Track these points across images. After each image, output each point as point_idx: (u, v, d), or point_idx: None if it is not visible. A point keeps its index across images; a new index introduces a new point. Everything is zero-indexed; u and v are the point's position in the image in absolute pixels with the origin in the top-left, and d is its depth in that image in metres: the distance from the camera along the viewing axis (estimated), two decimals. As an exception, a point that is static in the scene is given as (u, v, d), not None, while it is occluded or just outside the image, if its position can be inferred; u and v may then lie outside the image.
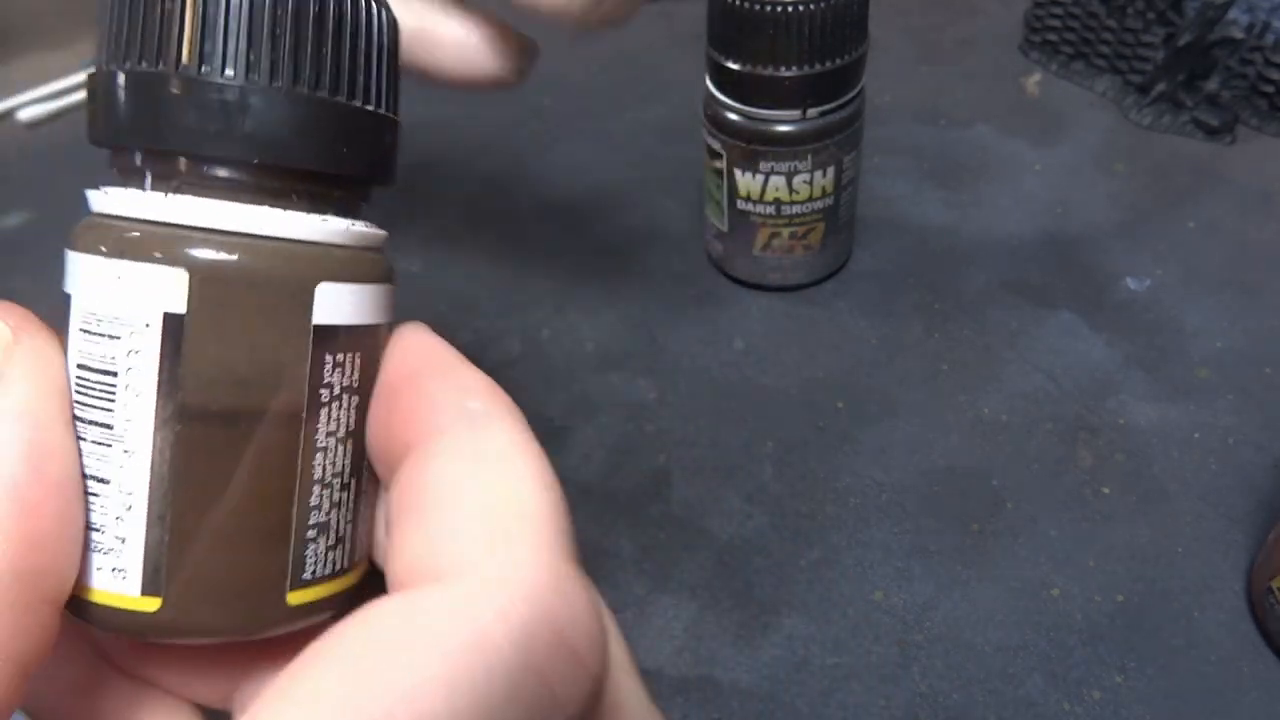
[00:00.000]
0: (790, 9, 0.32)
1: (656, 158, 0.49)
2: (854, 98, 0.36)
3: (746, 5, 0.32)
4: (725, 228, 0.39)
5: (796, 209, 0.37)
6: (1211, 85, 0.48)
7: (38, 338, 0.15)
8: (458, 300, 0.41)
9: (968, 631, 0.29)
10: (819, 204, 0.37)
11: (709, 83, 0.36)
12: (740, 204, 0.37)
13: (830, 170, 0.36)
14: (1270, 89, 0.47)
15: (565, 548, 0.14)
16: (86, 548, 0.15)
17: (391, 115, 0.17)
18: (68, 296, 0.15)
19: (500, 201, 0.46)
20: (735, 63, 0.34)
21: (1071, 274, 0.40)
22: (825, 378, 0.37)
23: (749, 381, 0.37)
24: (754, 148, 0.36)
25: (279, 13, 0.15)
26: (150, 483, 0.14)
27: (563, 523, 0.15)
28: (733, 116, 0.36)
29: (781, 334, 0.39)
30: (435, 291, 0.42)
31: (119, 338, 0.14)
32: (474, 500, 0.15)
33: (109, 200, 0.15)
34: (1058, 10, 0.52)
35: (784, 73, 0.34)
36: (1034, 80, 0.53)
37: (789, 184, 0.36)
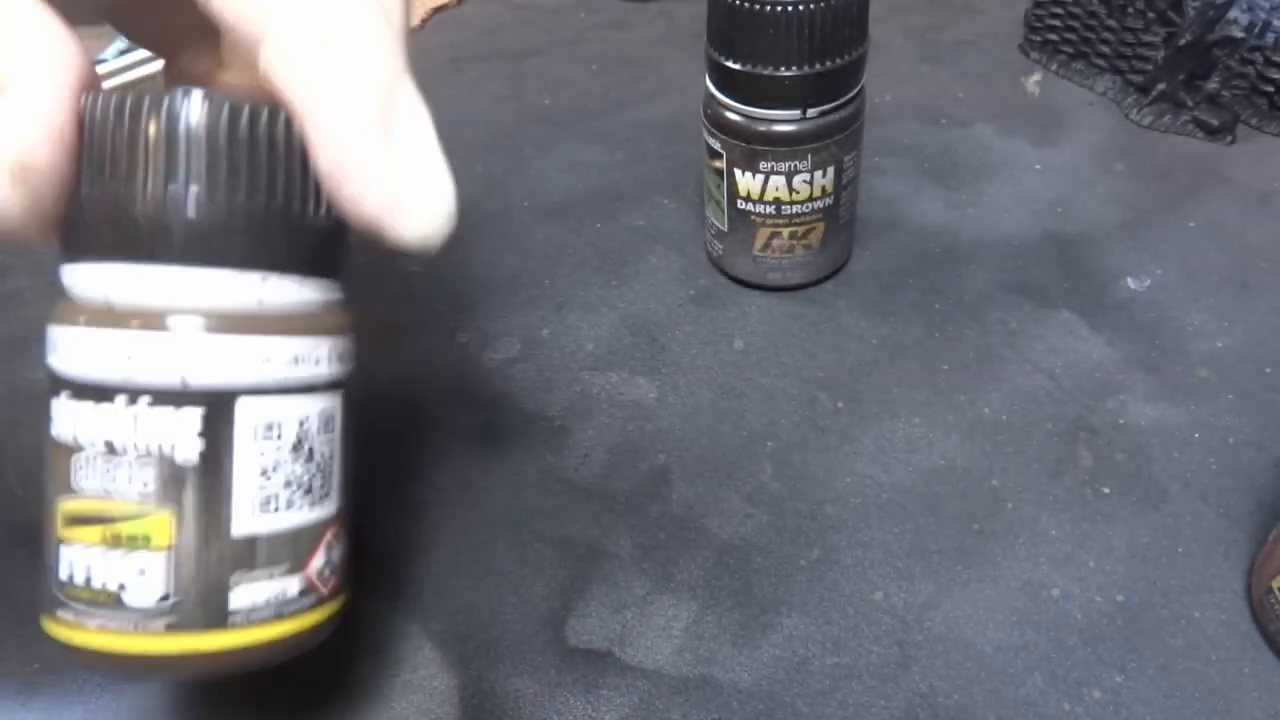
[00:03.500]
0: (790, 9, 0.32)
1: (656, 158, 0.49)
2: (854, 98, 0.36)
3: (746, 5, 0.32)
4: (725, 228, 0.39)
5: (796, 209, 0.37)
6: (1212, 85, 0.48)
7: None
8: (458, 300, 0.41)
9: (968, 631, 0.29)
10: (819, 204, 0.37)
11: (709, 83, 0.36)
12: (740, 204, 0.37)
13: (830, 170, 0.36)
14: (1271, 88, 0.47)
15: None
16: None
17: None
18: None
19: (500, 201, 0.46)
20: (735, 63, 0.34)
21: (1071, 274, 0.40)
22: (825, 378, 0.37)
23: (749, 381, 0.37)
24: (754, 148, 0.36)
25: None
26: None
27: None
28: (733, 116, 0.36)
29: (781, 334, 0.38)
30: (435, 291, 0.42)
31: None
32: None
33: None
34: (1058, 10, 0.52)
35: (784, 73, 0.34)
36: (1034, 80, 0.53)
37: (789, 184, 0.36)
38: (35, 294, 0.43)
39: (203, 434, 0.19)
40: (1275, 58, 0.46)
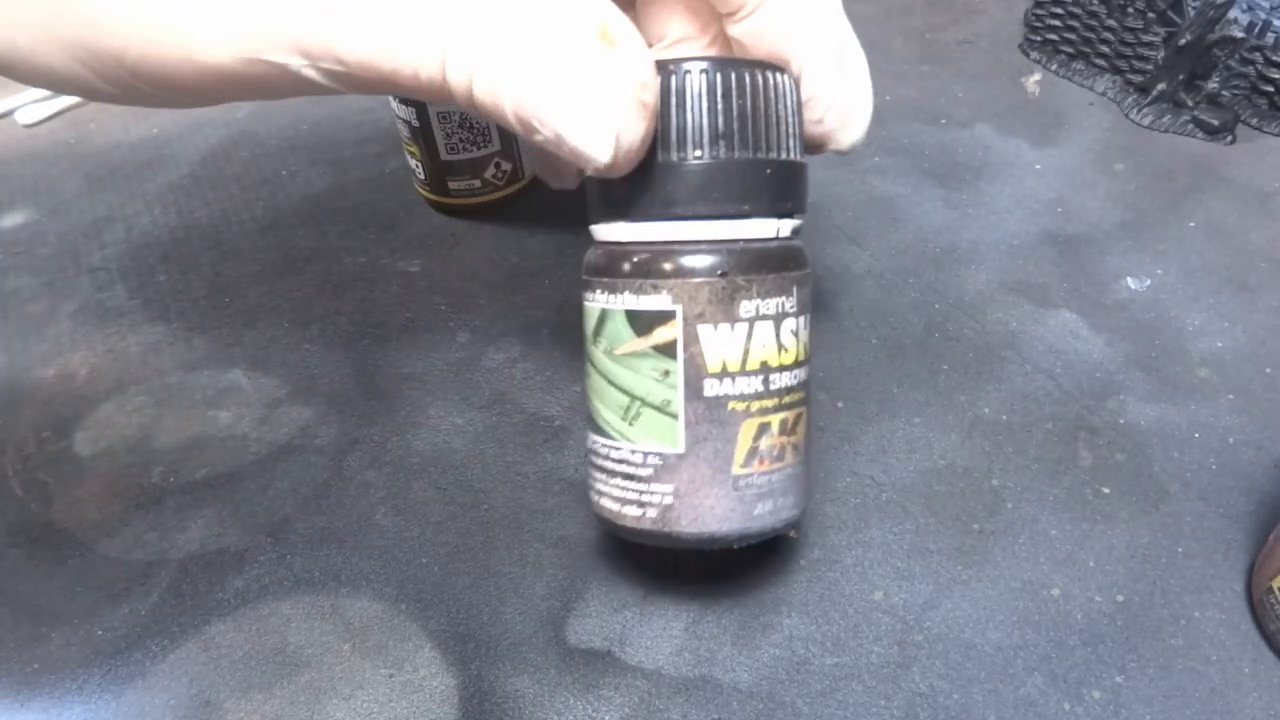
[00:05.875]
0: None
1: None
2: (766, 230, 0.24)
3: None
4: (680, 448, 0.24)
5: (781, 378, 0.25)
6: (1212, 85, 0.48)
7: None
8: (458, 300, 0.41)
9: (968, 631, 0.29)
10: (791, 377, 0.25)
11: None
12: (710, 387, 0.24)
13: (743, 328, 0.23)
14: (1270, 88, 0.47)
15: None
16: None
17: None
18: None
19: (499, 201, 0.46)
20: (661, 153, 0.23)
21: (1071, 274, 0.40)
22: (825, 378, 0.37)
23: (749, 381, 0.37)
24: (705, 281, 0.23)
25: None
26: None
27: None
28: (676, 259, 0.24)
29: (781, 334, 0.38)
30: (435, 291, 0.42)
31: None
32: None
33: None
34: (1058, 10, 0.52)
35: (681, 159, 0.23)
36: (1034, 80, 0.53)
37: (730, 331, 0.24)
38: (35, 293, 0.43)
39: None
40: (1275, 58, 0.46)
